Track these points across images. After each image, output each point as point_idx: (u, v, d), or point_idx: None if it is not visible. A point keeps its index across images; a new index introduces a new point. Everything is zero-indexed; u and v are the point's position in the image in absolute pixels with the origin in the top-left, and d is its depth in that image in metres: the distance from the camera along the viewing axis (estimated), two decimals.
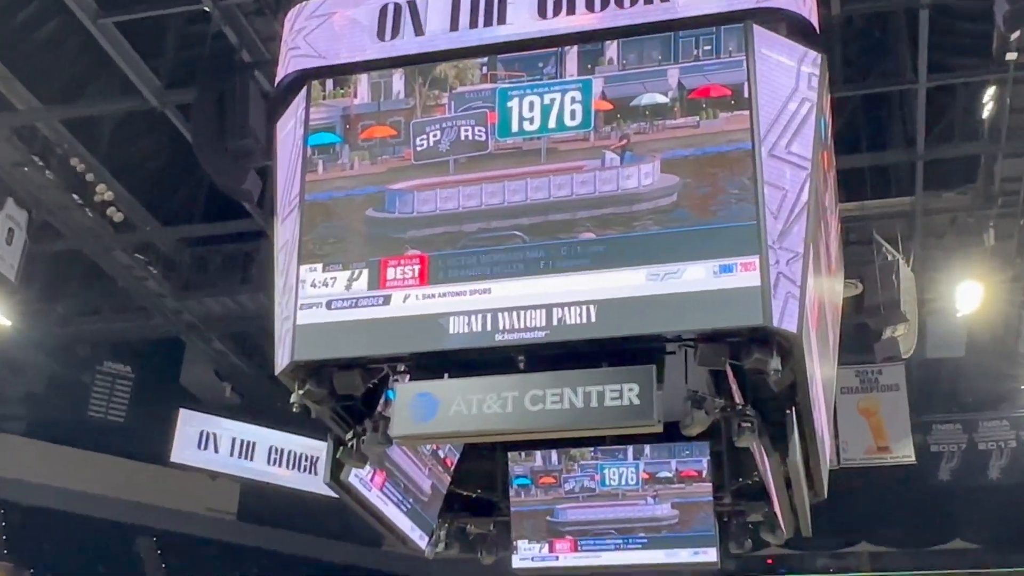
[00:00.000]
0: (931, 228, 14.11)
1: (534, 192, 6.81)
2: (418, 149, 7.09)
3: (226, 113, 10.95)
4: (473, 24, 7.16)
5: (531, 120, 6.94)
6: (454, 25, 7.20)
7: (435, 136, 7.08)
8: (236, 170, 11.22)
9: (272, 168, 7.95)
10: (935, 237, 14.24)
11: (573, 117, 6.87)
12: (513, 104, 6.99)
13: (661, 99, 6.80)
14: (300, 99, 7.39)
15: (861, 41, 12.53)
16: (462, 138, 7.03)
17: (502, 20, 7.13)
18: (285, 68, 7.59)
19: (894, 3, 11.82)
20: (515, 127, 6.95)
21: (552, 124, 6.89)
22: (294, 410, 7.06)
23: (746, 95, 6.61)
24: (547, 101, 6.94)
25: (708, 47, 6.80)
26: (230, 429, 18.26)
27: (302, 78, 7.43)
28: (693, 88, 6.77)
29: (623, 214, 6.60)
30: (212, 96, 11.09)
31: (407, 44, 7.26)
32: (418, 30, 7.27)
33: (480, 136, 7.01)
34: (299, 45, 7.49)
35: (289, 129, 7.47)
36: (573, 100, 6.91)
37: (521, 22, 7.08)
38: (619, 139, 6.76)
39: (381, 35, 7.33)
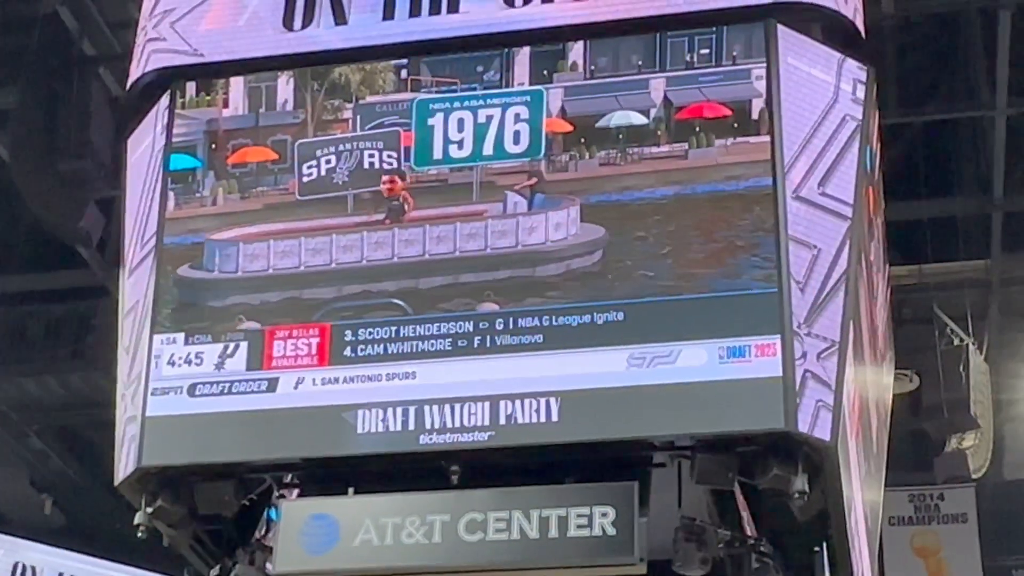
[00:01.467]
0: (1012, 303, 14.25)
1: (404, 247, 6.87)
2: (304, 180, 7.14)
3: (58, 124, 10.92)
4: (415, 11, 7.26)
5: (460, 144, 7.02)
6: (388, 12, 7.29)
7: (328, 163, 7.13)
8: (70, 202, 11.16)
9: (120, 201, 7.93)
10: (1018, 315, 14.38)
11: (517, 141, 6.97)
12: (436, 122, 7.07)
13: (639, 119, 6.90)
14: (161, 107, 7.42)
15: (922, 51, 12.72)
16: (366, 166, 7.09)
17: (453, 8, 7.22)
18: (142, 65, 7.62)
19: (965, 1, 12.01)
20: (438, 153, 7.04)
21: (488, 151, 6.97)
22: (140, 535, 6.97)
23: (753, 116, 6.74)
24: (482, 119, 7.03)
25: (705, 51, 6.95)
26: (52, 561, 17.92)
27: (165, 79, 7.47)
28: (683, 105, 6.89)
29: (524, 280, 6.68)
30: (39, 100, 11.05)
31: (322, 36, 7.34)
32: (339, 16, 7.36)
33: (390, 164, 7.07)
34: (163, 35, 7.53)
35: (145, 147, 7.48)
36: (518, 118, 7.00)
37: (481, 10, 7.18)
38: (528, 176, 6.86)
39: (288, 22, 7.40)
